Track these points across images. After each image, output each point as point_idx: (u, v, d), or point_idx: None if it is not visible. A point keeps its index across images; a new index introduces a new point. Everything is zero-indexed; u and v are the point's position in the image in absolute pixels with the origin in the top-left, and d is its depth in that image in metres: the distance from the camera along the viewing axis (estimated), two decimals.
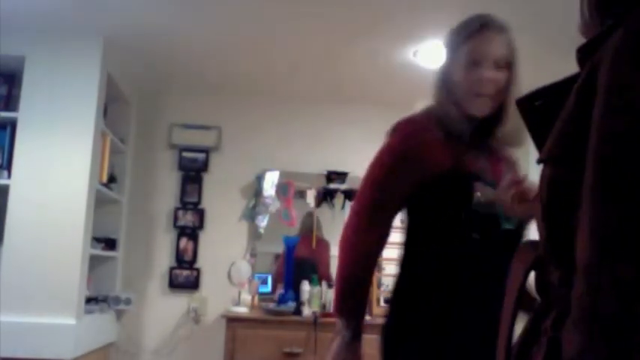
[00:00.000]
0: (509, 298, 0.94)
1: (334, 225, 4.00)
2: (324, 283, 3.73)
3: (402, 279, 1.46)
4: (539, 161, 0.84)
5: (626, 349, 0.65)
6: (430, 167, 1.37)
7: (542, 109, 0.89)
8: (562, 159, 0.79)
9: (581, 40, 0.87)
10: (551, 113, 0.84)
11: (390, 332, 1.42)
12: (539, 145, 0.89)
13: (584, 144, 0.73)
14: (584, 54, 0.83)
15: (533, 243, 0.93)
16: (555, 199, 0.80)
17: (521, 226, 1.41)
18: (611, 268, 0.67)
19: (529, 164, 4.37)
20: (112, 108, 3.70)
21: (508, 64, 1.43)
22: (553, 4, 2.65)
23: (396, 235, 1.49)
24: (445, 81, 1.44)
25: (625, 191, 0.68)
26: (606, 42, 0.75)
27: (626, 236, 0.67)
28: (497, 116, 1.43)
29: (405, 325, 1.40)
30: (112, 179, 3.67)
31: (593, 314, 0.68)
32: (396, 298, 1.45)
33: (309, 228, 4.01)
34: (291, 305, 3.57)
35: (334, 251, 3.96)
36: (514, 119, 1.37)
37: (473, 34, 1.40)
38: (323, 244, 4.03)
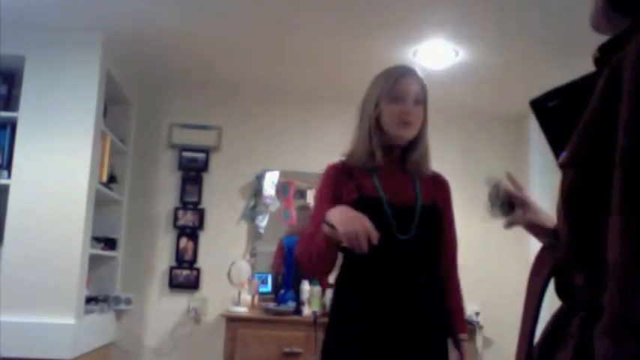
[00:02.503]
0: (530, 301, 0.92)
1: None
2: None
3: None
4: (561, 166, 0.82)
5: None
6: (342, 197, 1.75)
7: (556, 110, 0.88)
8: (586, 162, 0.78)
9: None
10: (565, 115, 0.82)
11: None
12: (555, 147, 0.87)
13: (610, 146, 0.71)
14: (604, 53, 0.81)
15: (551, 246, 0.91)
16: (580, 203, 0.79)
17: (420, 236, 1.70)
18: None
19: (528, 178, 4.33)
20: (112, 108, 3.70)
21: (423, 102, 1.78)
22: (546, 10, 2.65)
23: None
24: (370, 116, 1.77)
25: None
26: (628, 41, 0.74)
27: None
28: (413, 146, 1.78)
29: (331, 316, 1.79)
30: (112, 179, 3.67)
31: (623, 318, 0.66)
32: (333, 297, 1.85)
33: None
34: (291, 305, 3.57)
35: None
36: (423, 148, 1.78)
37: (397, 78, 1.76)
38: None
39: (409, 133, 1.75)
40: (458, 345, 1.75)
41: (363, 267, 1.67)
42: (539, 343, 0.87)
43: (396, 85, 1.75)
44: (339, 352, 1.69)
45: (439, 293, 1.76)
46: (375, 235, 1.50)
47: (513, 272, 4.00)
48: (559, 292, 0.88)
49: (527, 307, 0.92)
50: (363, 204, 1.69)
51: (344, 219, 1.53)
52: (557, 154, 0.87)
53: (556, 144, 0.85)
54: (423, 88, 1.79)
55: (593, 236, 0.74)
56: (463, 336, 1.76)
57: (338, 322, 1.73)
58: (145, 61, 3.63)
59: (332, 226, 1.54)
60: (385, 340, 1.64)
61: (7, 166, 3.04)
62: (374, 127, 1.76)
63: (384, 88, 1.76)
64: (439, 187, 1.85)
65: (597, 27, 0.89)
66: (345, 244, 1.52)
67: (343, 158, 1.85)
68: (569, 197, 0.80)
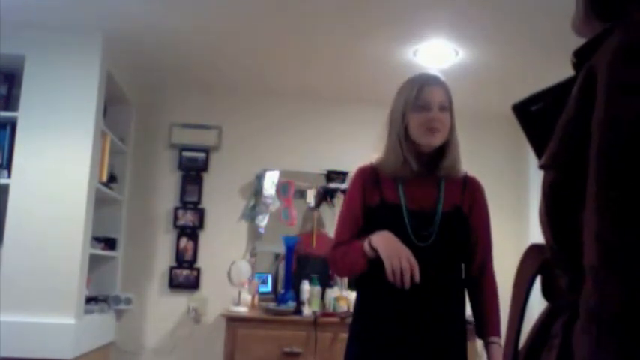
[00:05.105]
0: (515, 303, 0.92)
1: (334, 224, 4.02)
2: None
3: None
4: (541, 167, 0.84)
5: (635, 350, 0.64)
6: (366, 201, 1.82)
7: (538, 114, 0.88)
8: (564, 164, 0.79)
9: (573, 39, 0.86)
10: (548, 118, 0.83)
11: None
12: (537, 150, 0.88)
13: (585, 148, 0.72)
14: (580, 57, 0.82)
15: (538, 247, 0.92)
16: (559, 204, 0.80)
17: (441, 243, 1.72)
18: (616, 269, 0.66)
19: (528, 178, 4.34)
20: (112, 108, 3.70)
21: (449, 108, 1.79)
22: (543, 12, 2.65)
23: None
24: (399, 126, 1.79)
25: (628, 192, 0.67)
26: (602, 45, 0.75)
27: (630, 237, 0.66)
28: (442, 151, 1.80)
29: (352, 319, 1.86)
30: (112, 179, 3.67)
31: (600, 315, 0.67)
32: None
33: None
34: (291, 305, 3.57)
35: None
36: (454, 153, 1.80)
37: (421, 86, 1.78)
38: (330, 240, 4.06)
39: (436, 140, 1.76)
40: (487, 347, 1.73)
41: (383, 273, 1.67)
42: (526, 344, 0.88)
43: (420, 94, 1.76)
44: (358, 356, 1.74)
45: (461, 298, 1.76)
46: (417, 273, 1.59)
47: (513, 270, 4.00)
48: (545, 292, 0.89)
49: (514, 307, 0.93)
50: (383, 210, 1.75)
51: (390, 253, 1.62)
52: (540, 157, 0.88)
53: (540, 147, 0.86)
54: (448, 94, 1.80)
55: (574, 238, 0.75)
56: (493, 338, 1.73)
57: (358, 326, 1.79)
58: (145, 61, 3.63)
59: (375, 250, 1.65)
60: (403, 344, 1.67)
61: (7, 166, 3.04)
62: (403, 137, 1.77)
63: (409, 97, 1.78)
64: (468, 190, 1.85)
65: (577, 30, 0.90)
66: (389, 277, 1.61)
67: (374, 162, 1.86)
68: (550, 199, 0.81)
